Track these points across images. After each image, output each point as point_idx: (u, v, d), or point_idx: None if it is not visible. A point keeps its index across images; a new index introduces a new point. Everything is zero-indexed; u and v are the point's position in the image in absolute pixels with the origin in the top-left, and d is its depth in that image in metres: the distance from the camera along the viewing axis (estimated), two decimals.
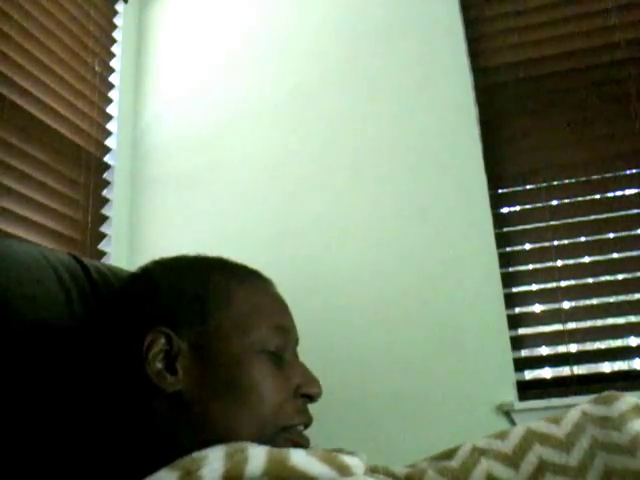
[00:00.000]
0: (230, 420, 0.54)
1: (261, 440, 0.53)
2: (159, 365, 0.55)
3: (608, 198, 1.76)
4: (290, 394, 0.58)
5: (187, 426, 0.54)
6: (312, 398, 0.61)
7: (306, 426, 0.60)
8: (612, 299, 1.71)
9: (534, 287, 1.75)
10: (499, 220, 1.79)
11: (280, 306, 0.64)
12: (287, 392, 0.58)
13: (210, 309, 0.58)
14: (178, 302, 0.58)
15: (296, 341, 0.65)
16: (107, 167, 2.00)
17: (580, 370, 1.65)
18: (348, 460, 0.53)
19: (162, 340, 0.56)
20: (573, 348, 1.68)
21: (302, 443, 0.58)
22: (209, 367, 0.56)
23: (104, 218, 1.93)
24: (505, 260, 1.75)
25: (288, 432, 0.57)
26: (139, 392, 0.56)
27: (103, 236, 1.90)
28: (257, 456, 0.49)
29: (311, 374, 0.61)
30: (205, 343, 0.57)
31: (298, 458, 0.50)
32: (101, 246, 1.89)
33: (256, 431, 0.54)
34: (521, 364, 1.67)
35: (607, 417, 0.59)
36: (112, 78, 2.10)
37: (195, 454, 0.48)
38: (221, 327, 0.57)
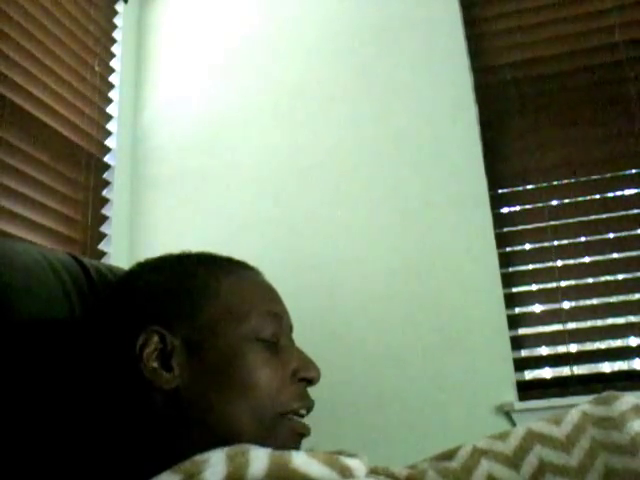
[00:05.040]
0: (228, 410, 0.54)
1: (261, 428, 0.54)
2: (154, 364, 0.55)
3: (608, 198, 1.75)
4: (287, 379, 0.59)
5: (187, 421, 0.54)
6: (310, 382, 0.61)
7: (308, 410, 0.60)
8: (612, 299, 1.71)
9: (534, 287, 1.75)
10: (499, 220, 1.78)
11: (269, 293, 0.64)
12: (284, 378, 0.58)
13: (200, 303, 0.58)
14: (168, 299, 0.59)
15: (290, 327, 0.65)
16: (107, 167, 2.00)
17: (580, 370, 1.65)
18: (349, 462, 0.53)
19: (155, 339, 0.56)
20: (573, 348, 1.68)
21: (303, 431, 0.59)
22: (204, 360, 0.56)
23: (104, 218, 1.93)
24: (505, 260, 1.75)
25: (288, 418, 0.57)
26: (137, 392, 0.56)
27: (103, 236, 1.90)
28: (259, 459, 0.49)
29: (308, 358, 0.62)
30: (198, 337, 0.57)
31: (299, 460, 0.50)
32: (101, 246, 1.89)
33: (255, 419, 0.55)
34: (521, 364, 1.67)
35: (607, 417, 0.59)
36: (112, 78, 2.10)
37: (196, 457, 0.48)
38: (212, 319, 0.58)
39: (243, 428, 0.54)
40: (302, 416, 0.59)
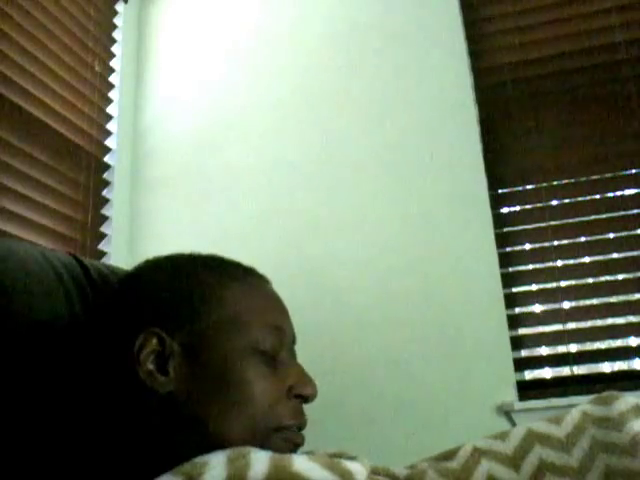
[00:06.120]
0: (221, 420, 0.54)
1: (253, 440, 0.53)
2: (151, 366, 0.55)
3: (608, 198, 1.75)
4: (283, 395, 0.58)
5: (179, 427, 0.54)
6: (306, 399, 0.60)
7: (300, 428, 0.59)
8: (612, 299, 1.71)
9: (534, 287, 1.75)
10: (499, 220, 1.78)
11: (275, 304, 0.63)
12: (279, 393, 0.57)
13: (202, 308, 0.57)
14: (170, 302, 0.58)
15: (293, 340, 0.64)
16: (107, 167, 2.00)
17: (580, 370, 1.65)
18: (350, 466, 0.53)
19: (154, 341, 0.55)
20: (573, 348, 1.68)
21: (297, 441, 0.58)
22: (201, 367, 0.55)
23: (104, 218, 1.93)
24: (505, 260, 1.75)
25: (281, 432, 0.56)
26: (132, 393, 0.55)
27: (103, 236, 1.90)
28: (259, 461, 0.48)
29: (306, 374, 0.60)
30: (197, 343, 0.56)
31: (300, 464, 0.49)
32: (101, 246, 1.89)
33: (247, 432, 0.54)
34: (521, 364, 1.67)
35: (607, 417, 0.58)
36: (112, 78, 2.10)
37: (197, 459, 0.48)
38: (213, 326, 0.57)
39: (234, 439, 0.53)
40: (294, 432, 0.58)
